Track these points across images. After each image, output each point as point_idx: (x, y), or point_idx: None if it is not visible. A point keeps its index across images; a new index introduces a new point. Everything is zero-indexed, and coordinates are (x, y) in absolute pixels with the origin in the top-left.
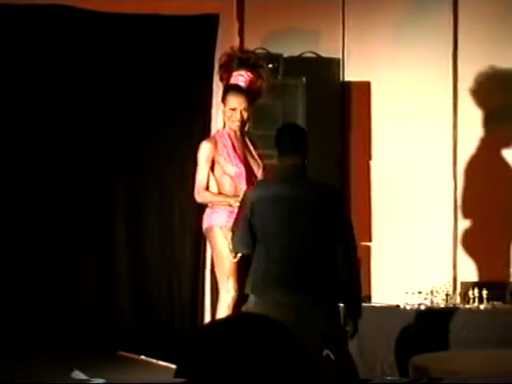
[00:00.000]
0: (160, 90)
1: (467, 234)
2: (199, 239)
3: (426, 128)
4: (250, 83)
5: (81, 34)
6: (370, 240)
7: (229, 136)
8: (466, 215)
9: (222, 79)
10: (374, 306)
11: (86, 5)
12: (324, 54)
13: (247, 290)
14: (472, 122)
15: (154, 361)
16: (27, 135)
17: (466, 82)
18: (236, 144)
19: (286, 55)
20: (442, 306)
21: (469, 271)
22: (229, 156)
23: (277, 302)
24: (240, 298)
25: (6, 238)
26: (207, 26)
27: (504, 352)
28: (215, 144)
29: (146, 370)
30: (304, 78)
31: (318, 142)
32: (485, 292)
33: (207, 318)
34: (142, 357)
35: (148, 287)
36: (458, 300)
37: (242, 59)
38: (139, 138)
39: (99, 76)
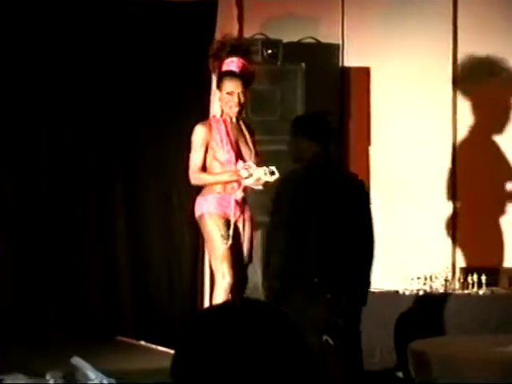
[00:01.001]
0: (158, 76)
1: (466, 219)
2: (198, 226)
3: (426, 114)
4: (243, 68)
5: (78, 20)
6: None
7: (224, 122)
8: (464, 201)
9: (213, 68)
10: (373, 292)
11: None
12: (323, 40)
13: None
14: (471, 108)
15: (154, 346)
16: (25, 124)
17: (466, 67)
18: (230, 131)
19: (285, 41)
20: (441, 291)
21: (467, 257)
22: (221, 142)
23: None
24: (238, 283)
25: (7, 228)
26: (206, 12)
27: (502, 337)
28: (210, 128)
29: (145, 356)
30: (303, 64)
31: None
32: (483, 277)
33: (207, 305)
34: (142, 342)
35: (148, 274)
36: (457, 285)
37: (234, 46)
38: (137, 126)
39: (97, 63)
